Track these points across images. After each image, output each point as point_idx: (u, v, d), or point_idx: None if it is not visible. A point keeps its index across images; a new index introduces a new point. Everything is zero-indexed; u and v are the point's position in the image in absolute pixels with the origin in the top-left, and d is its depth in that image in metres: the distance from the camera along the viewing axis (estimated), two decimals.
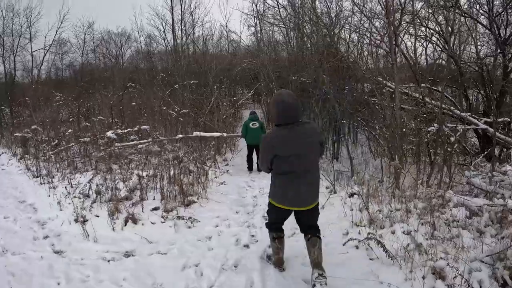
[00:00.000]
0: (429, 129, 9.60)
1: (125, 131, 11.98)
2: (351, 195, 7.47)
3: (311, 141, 4.03)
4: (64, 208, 6.83)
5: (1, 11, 25.11)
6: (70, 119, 16.59)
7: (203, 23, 28.91)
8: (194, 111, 14.45)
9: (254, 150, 11.04)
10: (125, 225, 6.01)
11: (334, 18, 11.53)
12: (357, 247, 5.10)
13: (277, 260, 4.57)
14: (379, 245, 4.58)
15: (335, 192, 7.73)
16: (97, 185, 7.50)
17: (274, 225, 4.60)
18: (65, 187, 8.02)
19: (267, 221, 4.74)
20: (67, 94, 19.60)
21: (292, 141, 3.93)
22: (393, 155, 9.15)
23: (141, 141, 10.44)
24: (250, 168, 11.44)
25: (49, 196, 7.69)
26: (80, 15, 40.91)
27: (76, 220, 6.21)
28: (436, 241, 4.98)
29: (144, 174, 8.31)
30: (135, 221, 6.05)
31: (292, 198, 4.10)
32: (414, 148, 10.32)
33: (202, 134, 10.98)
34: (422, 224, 5.65)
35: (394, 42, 8.82)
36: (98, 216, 6.34)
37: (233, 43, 27.50)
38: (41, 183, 8.86)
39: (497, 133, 9.26)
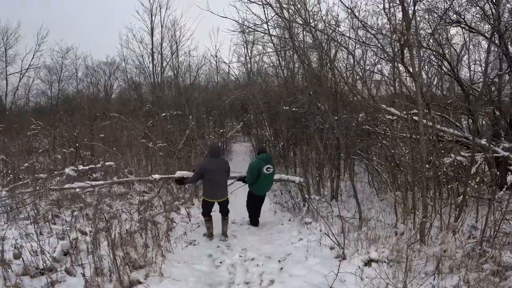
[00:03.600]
0: (446, 161, 7.94)
1: (87, 167, 9.56)
2: (368, 263, 4.96)
3: (223, 166, 7.18)
4: None
5: None
6: (40, 150, 14.26)
7: (189, 50, 26.69)
8: (171, 144, 12.02)
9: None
10: None
11: (330, 36, 9.27)
12: None
13: (209, 234, 7.04)
14: None
15: (344, 258, 5.20)
16: (15, 247, 4.95)
17: (207, 212, 7.05)
18: None
19: (202, 211, 7.15)
20: (45, 122, 17.31)
21: (215, 165, 6.98)
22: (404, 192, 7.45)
23: (96, 183, 7.71)
24: (256, 222, 8.09)
25: None
26: (59, 40, 38.60)
27: None
28: None
29: (88, 230, 5.85)
30: None
31: (215, 194, 7.03)
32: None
33: (163, 176, 7.95)
34: None
35: (402, 60, 6.66)
36: None
37: (222, 74, 25.58)
38: None
39: None
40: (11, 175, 10.45)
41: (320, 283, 4.58)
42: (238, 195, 9.00)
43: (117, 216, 6.92)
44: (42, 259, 4.67)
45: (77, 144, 12.13)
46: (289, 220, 7.95)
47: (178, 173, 7.43)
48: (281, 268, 5.30)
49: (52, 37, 46.50)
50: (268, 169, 7.75)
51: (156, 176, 7.41)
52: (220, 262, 5.60)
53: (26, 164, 10.96)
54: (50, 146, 15.12)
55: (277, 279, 4.91)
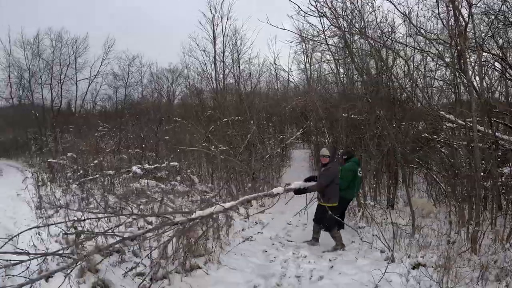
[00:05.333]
0: (504, 171, 7.67)
1: (152, 166, 10.30)
2: (416, 266, 5.21)
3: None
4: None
5: (51, 40, 25.20)
6: (107, 150, 15.33)
7: (250, 58, 27.34)
8: (232, 148, 12.57)
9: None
10: None
11: (387, 42, 9.43)
12: None
13: (342, 244, 6.58)
14: None
15: (393, 261, 5.45)
16: (85, 230, 5.63)
17: (336, 222, 6.45)
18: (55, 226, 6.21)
19: (328, 224, 6.57)
20: (111, 125, 18.57)
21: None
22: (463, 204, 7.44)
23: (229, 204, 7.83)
24: (342, 225, 7.46)
25: (36, 234, 5.91)
26: (125, 49, 40.64)
27: (39, 273, 4.37)
28: None
29: (153, 219, 6.44)
30: None
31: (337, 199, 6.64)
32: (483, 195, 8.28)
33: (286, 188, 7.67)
34: None
35: (463, 65, 6.76)
36: (65, 276, 4.40)
37: (282, 80, 25.96)
38: (38, 217, 7.38)
39: None
40: (81, 171, 11.44)
41: (367, 281, 4.88)
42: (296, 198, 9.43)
43: (179, 210, 7.48)
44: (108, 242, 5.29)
45: (143, 145, 12.98)
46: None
47: (295, 184, 6.53)
48: (332, 267, 5.65)
49: (119, 47, 48.92)
50: (360, 172, 8.01)
51: (279, 190, 6.82)
52: (274, 257, 6.02)
53: (95, 161, 11.93)
54: (116, 147, 16.17)
55: (327, 276, 5.27)
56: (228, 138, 13.52)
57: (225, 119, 14.84)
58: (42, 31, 27.51)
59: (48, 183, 10.90)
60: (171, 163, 10.45)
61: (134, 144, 14.54)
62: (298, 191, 6.36)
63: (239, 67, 21.35)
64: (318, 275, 5.30)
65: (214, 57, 20.98)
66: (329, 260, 5.98)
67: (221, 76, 20.71)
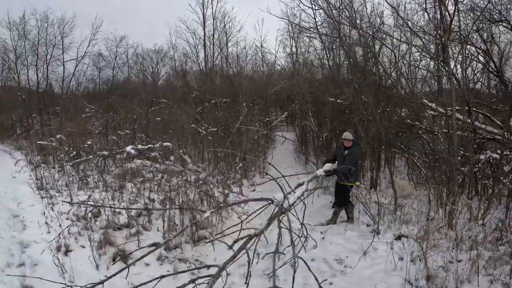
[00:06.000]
0: (480, 157, 8.28)
1: (146, 147, 10.68)
2: (399, 237, 5.88)
3: None
4: (53, 231, 5.43)
5: (37, 21, 24.51)
6: (96, 131, 15.56)
7: (237, 40, 27.55)
8: (223, 130, 13.01)
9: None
10: (113, 263, 4.56)
11: (376, 32, 10.00)
12: None
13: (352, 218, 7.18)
14: None
15: (378, 233, 6.10)
16: (95, 207, 6.08)
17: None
18: (62, 205, 6.67)
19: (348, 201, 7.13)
20: (97, 106, 18.70)
21: None
22: (442, 188, 7.94)
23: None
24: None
25: (43, 213, 6.31)
26: (113, 30, 40.17)
27: (58, 249, 4.78)
28: None
29: (155, 197, 6.91)
30: (125, 260, 4.58)
31: None
32: (461, 179, 8.99)
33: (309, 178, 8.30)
34: (492, 282, 4.34)
35: (446, 58, 7.35)
36: (84, 247, 4.91)
37: (268, 63, 26.28)
38: (42, 197, 7.54)
39: None
40: (74, 152, 11.73)
41: (357, 249, 5.52)
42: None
43: (176, 189, 7.95)
44: (118, 218, 5.78)
45: (135, 126, 13.31)
46: (330, 202, 8.84)
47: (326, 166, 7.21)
48: (323, 238, 6.28)
49: (105, 27, 48.36)
50: None
51: (320, 171, 7.12)
52: (271, 230, 6.55)
53: (89, 142, 12.24)
54: (104, 128, 16.39)
55: (319, 245, 5.87)
56: (218, 120, 13.91)
57: (213, 101, 15.25)
58: (28, 12, 27.30)
59: (42, 165, 11.12)
60: (164, 144, 10.82)
61: (126, 126, 14.77)
62: (329, 173, 6.77)
63: (227, 49, 21.79)
64: (312, 244, 5.90)
65: (204, 39, 21.34)
66: (320, 232, 6.59)
67: (210, 58, 21.12)
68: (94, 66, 29.28)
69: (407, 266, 4.63)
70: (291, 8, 20.57)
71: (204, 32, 21.27)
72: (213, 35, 21.51)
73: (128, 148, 10.14)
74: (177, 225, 5.68)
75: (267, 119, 19.37)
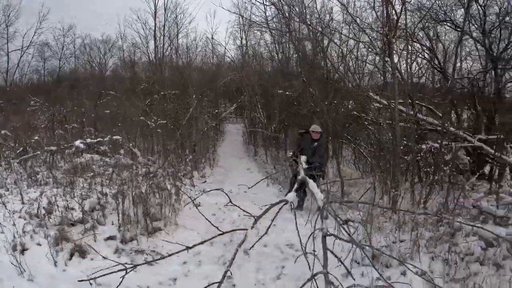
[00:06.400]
0: (422, 147, 8.94)
1: (95, 141, 10.59)
2: (345, 222, 6.26)
3: None
4: (6, 230, 5.38)
5: None
6: (42, 125, 15.11)
7: (187, 32, 27.40)
8: (172, 122, 13.05)
9: None
10: (70, 259, 4.63)
11: (325, 28, 10.43)
12: None
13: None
14: None
15: (326, 218, 6.47)
16: (48, 203, 6.07)
17: None
18: (13, 203, 6.56)
19: None
20: (43, 99, 18.10)
21: None
22: (386, 175, 8.27)
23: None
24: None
25: None
26: (60, 18, 38.54)
27: (14, 249, 4.79)
28: (456, 283, 4.23)
29: (107, 191, 6.96)
30: (83, 255, 4.67)
31: None
32: (404, 167, 9.61)
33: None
34: (433, 259, 4.75)
35: (390, 54, 7.80)
36: (40, 245, 4.92)
37: (218, 55, 26.30)
38: None
39: (495, 152, 8.89)
40: (21, 148, 11.41)
41: (306, 234, 5.85)
42: (233, 169, 10.35)
43: (127, 182, 7.99)
44: (71, 214, 5.81)
45: (84, 119, 13.11)
46: (280, 191, 9.20)
47: (303, 158, 7.29)
48: (274, 225, 6.56)
49: (53, 16, 46.54)
50: None
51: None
52: (223, 219, 6.89)
53: (36, 137, 11.93)
54: (50, 122, 15.92)
55: (271, 232, 6.13)
56: (168, 112, 13.91)
57: (163, 93, 15.20)
58: None
59: None
60: (114, 137, 10.77)
61: (73, 119, 14.45)
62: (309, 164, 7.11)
63: (177, 41, 21.70)
64: (264, 231, 6.21)
65: (154, 30, 21.17)
66: (271, 220, 6.89)
67: (160, 49, 20.98)
68: (40, 56, 28.32)
69: (354, 248, 4.97)
70: (243, 1, 20.75)
71: (155, 23, 21.17)
72: (164, 26, 21.36)
73: (77, 143, 10.02)
74: (130, 217, 5.78)
75: (217, 111, 19.53)
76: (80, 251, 4.69)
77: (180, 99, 15.21)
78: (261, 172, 11.55)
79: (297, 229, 4.22)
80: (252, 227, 3.04)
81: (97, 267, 4.37)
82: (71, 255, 4.67)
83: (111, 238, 5.15)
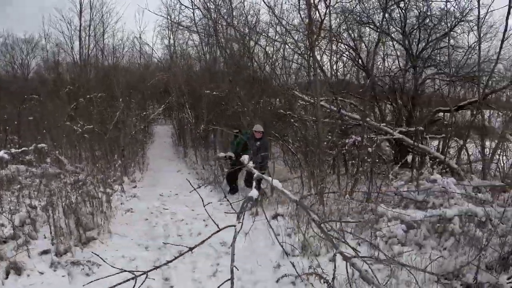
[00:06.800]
0: (346, 141, 9.57)
1: (20, 150, 10.32)
2: (275, 216, 6.84)
3: None
4: None
5: None
6: None
7: (114, 31, 26.77)
8: (99, 126, 12.85)
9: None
10: (7, 277, 4.61)
11: (251, 29, 10.82)
12: (293, 283, 4.51)
13: None
14: (322, 280, 3.83)
15: (257, 214, 6.90)
16: None
17: None
18: None
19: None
20: None
21: None
22: (314, 169, 8.62)
23: None
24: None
25: None
26: None
27: None
28: (380, 264, 4.53)
29: (37, 203, 6.93)
30: (18, 272, 4.67)
31: None
32: (331, 160, 10.20)
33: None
34: (360, 244, 5.26)
35: (312, 55, 8.29)
36: None
37: (145, 55, 25.98)
38: None
39: (414, 143, 9.67)
40: None
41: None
42: (164, 172, 10.56)
43: (56, 193, 7.91)
44: (2, 230, 5.74)
45: (7, 127, 12.59)
46: (210, 191, 9.48)
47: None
48: (206, 225, 6.89)
49: None
50: None
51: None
52: (156, 223, 7.02)
53: None
54: None
55: (203, 232, 6.53)
56: (94, 116, 13.66)
57: (88, 95, 14.86)
58: None
59: None
60: (39, 145, 10.53)
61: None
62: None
63: (103, 41, 21.22)
64: (197, 232, 6.59)
65: (80, 30, 20.53)
66: (203, 220, 7.19)
67: (85, 50, 20.42)
68: None
69: (283, 240, 5.32)
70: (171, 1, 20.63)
71: (80, 23, 20.47)
72: (90, 26, 20.78)
73: (1, 153, 9.74)
74: (63, 229, 5.81)
75: (145, 113, 19.33)
76: (16, 268, 4.67)
77: (106, 102, 14.99)
78: (191, 173, 11.78)
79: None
80: (239, 222, 3.21)
81: (34, 283, 4.48)
82: (7, 274, 4.64)
83: (45, 252, 5.15)
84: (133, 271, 2.52)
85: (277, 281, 4.56)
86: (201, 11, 9.68)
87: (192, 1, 11.26)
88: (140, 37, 25.12)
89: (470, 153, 10.26)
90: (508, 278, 3.82)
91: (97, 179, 9.39)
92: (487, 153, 9.26)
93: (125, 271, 2.63)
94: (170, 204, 8.48)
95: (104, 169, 10.57)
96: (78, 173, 10.35)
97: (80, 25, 20.37)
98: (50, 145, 11.38)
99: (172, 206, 8.22)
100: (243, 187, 9.19)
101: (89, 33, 20.70)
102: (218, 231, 3.10)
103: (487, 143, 9.72)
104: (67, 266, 4.85)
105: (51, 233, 5.52)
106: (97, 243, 5.71)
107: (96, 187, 8.46)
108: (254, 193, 4.91)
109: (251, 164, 6.46)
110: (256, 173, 5.38)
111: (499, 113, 12.02)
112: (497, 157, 8.97)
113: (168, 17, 18.01)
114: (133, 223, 6.92)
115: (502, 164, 8.92)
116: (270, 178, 5.61)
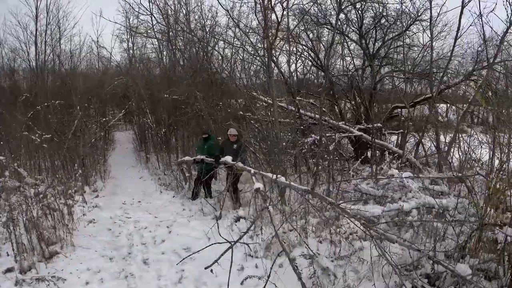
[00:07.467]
0: (306, 140, 9.78)
1: None
2: (237, 219, 7.07)
3: None
4: None
5: None
6: None
7: (71, 36, 26.13)
8: (58, 135, 12.68)
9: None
10: None
11: (208, 33, 10.96)
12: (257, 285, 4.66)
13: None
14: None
15: (220, 218, 7.03)
16: None
17: None
18: None
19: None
20: None
21: None
22: (274, 169, 8.76)
23: None
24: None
25: None
26: None
27: None
28: (341, 260, 4.85)
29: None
30: None
31: None
32: (292, 160, 10.51)
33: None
34: (321, 242, 5.44)
35: (268, 57, 8.51)
36: None
37: (103, 59, 25.56)
38: None
39: (372, 139, 9.73)
40: None
41: (202, 236, 6.35)
42: (126, 179, 10.61)
43: (16, 207, 7.83)
44: None
45: None
46: (173, 197, 9.58)
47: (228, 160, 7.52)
48: (170, 232, 7.00)
49: None
50: None
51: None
52: (119, 233, 7.03)
53: None
54: None
55: (167, 239, 6.64)
56: (52, 125, 13.46)
57: (46, 103, 14.58)
58: None
59: None
60: None
61: None
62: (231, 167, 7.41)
63: (59, 46, 20.72)
64: (160, 239, 6.65)
65: (36, 35, 19.98)
66: (167, 227, 7.29)
67: (42, 56, 19.88)
68: None
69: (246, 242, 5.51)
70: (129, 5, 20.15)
71: (36, 28, 19.87)
72: (46, 31, 20.24)
73: None
74: (25, 245, 5.79)
75: (104, 119, 19.10)
76: None
77: (64, 110, 14.76)
78: (153, 180, 11.81)
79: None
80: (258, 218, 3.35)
81: None
82: None
83: (9, 270, 5.11)
84: None
85: (241, 283, 4.71)
86: (155, 18, 9.65)
87: (149, 5, 11.31)
88: (97, 41, 24.68)
89: (427, 147, 10.64)
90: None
91: (57, 191, 9.31)
92: (443, 146, 9.66)
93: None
94: (133, 212, 8.50)
95: (65, 180, 10.46)
96: (38, 185, 10.21)
97: (36, 30, 19.77)
98: (8, 157, 11.16)
99: (135, 214, 8.25)
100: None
101: (45, 39, 20.14)
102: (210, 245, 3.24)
103: (445, 137, 10.09)
104: (32, 283, 4.85)
105: (13, 250, 5.50)
106: (61, 257, 5.72)
107: (57, 199, 8.40)
108: (259, 184, 5.17)
109: (240, 164, 6.75)
110: (252, 170, 5.63)
111: (454, 107, 12.50)
112: (453, 149, 9.29)
113: (126, 20, 17.79)
114: (96, 234, 6.93)
115: (458, 156, 9.20)
116: (270, 174, 5.88)
